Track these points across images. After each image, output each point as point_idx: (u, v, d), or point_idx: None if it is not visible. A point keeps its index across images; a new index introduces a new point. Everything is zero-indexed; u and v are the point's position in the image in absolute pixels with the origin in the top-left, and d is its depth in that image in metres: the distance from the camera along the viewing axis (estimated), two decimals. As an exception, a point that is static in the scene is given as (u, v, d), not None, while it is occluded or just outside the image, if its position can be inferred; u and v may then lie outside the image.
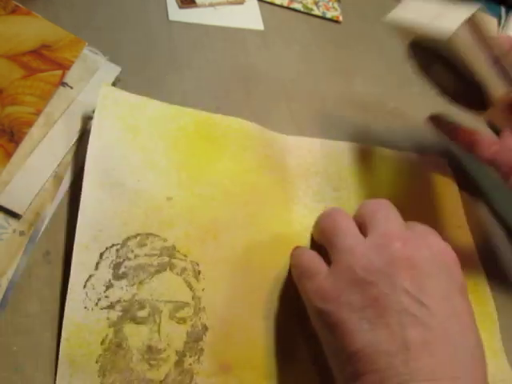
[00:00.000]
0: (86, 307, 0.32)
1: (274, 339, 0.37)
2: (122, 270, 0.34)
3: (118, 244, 0.35)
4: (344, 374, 0.31)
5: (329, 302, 0.32)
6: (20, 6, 0.45)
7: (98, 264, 0.34)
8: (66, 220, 0.38)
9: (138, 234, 0.36)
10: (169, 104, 0.43)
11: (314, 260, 0.36)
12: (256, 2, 0.62)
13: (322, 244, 0.37)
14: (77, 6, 0.52)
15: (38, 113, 0.41)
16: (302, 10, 0.64)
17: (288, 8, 0.63)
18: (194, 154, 0.41)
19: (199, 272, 0.37)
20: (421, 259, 0.31)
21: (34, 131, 0.41)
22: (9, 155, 0.38)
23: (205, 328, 0.35)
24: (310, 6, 0.65)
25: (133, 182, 0.38)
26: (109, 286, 0.33)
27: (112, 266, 0.34)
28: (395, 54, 0.65)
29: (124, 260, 0.35)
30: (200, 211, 0.39)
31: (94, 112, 0.40)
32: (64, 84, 0.44)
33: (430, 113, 0.50)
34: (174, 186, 0.39)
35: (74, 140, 0.42)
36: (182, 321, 0.34)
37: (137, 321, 0.33)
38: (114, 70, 0.47)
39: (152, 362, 0.33)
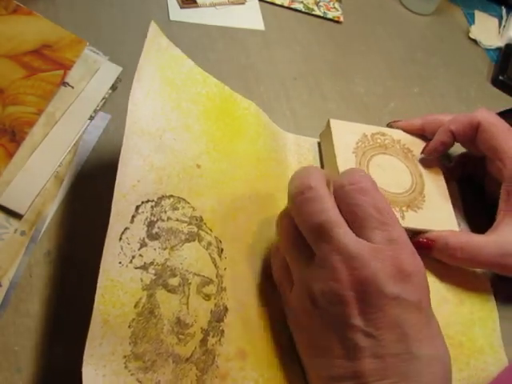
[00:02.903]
0: (120, 263, 0.31)
1: (287, 329, 0.36)
2: (155, 229, 0.34)
3: (152, 201, 0.34)
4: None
5: (296, 324, 0.34)
6: (21, 5, 0.45)
7: (133, 217, 0.33)
8: (67, 220, 0.38)
9: (172, 196, 0.35)
10: (198, 68, 0.43)
11: (283, 277, 0.36)
12: (257, 2, 0.62)
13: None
14: (78, 5, 0.52)
15: (39, 113, 0.41)
16: (302, 10, 0.64)
17: (289, 8, 0.63)
18: (220, 128, 0.41)
19: (222, 250, 0.36)
20: (369, 290, 0.30)
21: (35, 131, 0.41)
22: (10, 155, 0.38)
23: (225, 309, 0.35)
24: (310, 6, 0.65)
25: (169, 138, 0.37)
26: (143, 245, 0.33)
27: (146, 222, 0.33)
28: (396, 54, 0.65)
29: (157, 220, 0.34)
30: (224, 188, 0.39)
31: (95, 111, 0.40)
32: (65, 84, 0.44)
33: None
34: (204, 154, 0.39)
35: (75, 140, 0.42)
36: (207, 297, 0.34)
37: (168, 288, 0.32)
38: (115, 70, 0.47)
39: (180, 336, 0.32)
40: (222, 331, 0.34)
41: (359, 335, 0.30)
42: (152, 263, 0.32)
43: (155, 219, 0.34)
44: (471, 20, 0.76)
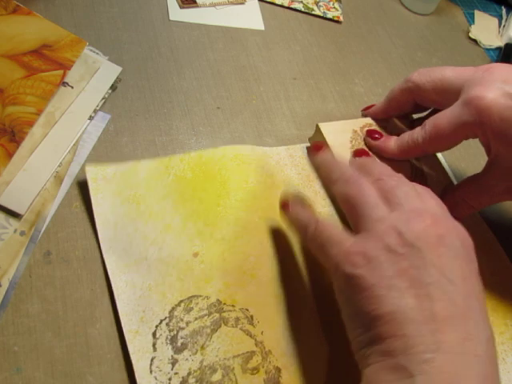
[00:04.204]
0: None
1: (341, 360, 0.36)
2: (180, 341, 0.34)
3: (165, 318, 0.34)
4: (365, 337, 0.31)
5: (359, 267, 0.32)
6: (21, 5, 0.45)
7: (154, 345, 0.33)
8: (67, 220, 0.38)
9: (181, 301, 0.35)
10: (157, 158, 0.42)
11: (335, 228, 0.35)
12: (257, 2, 0.62)
13: (344, 210, 0.37)
14: (77, 5, 0.52)
15: (38, 112, 0.41)
16: (302, 10, 0.64)
17: (289, 8, 0.63)
18: (202, 200, 0.41)
19: (252, 317, 0.36)
20: (448, 238, 0.32)
21: (35, 131, 0.41)
22: (10, 155, 0.38)
23: (278, 370, 0.35)
24: (310, 6, 0.65)
25: (154, 251, 0.37)
26: (174, 362, 0.33)
27: (168, 341, 0.34)
28: (396, 54, 0.65)
29: (178, 331, 0.34)
30: (229, 255, 0.39)
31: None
32: (65, 84, 0.44)
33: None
34: (195, 239, 0.39)
35: (75, 140, 0.42)
36: (256, 370, 0.34)
37: None
38: (114, 70, 0.47)
39: None
40: None
41: (439, 276, 0.30)
42: (189, 373, 0.33)
43: (175, 332, 0.34)
44: (471, 20, 0.76)
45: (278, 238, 0.41)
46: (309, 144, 0.48)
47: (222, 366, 0.33)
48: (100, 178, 0.39)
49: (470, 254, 0.33)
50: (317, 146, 0.41)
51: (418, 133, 0.42)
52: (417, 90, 0.45)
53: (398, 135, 0.46)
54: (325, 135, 0.45)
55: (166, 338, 0.34)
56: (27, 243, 0.36)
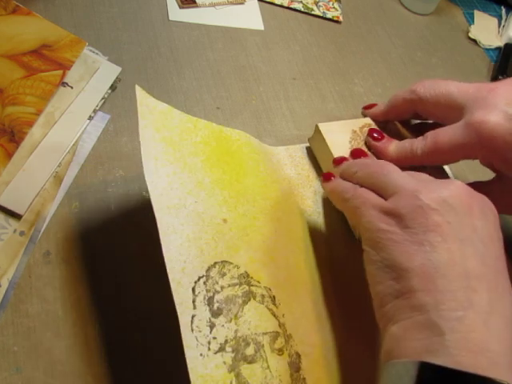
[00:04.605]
0: (201, 354, 0.31)
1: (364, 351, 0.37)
2: (216, 305, 0.34)
3: (203, 276, 0.34)
4: (393, 290, 0.31)
5: (392, 225, 0.32)
6: (21, 6, 0.45)
7: (194, 302, 0.33)
8: (66, 220, 0.38)
9: (216, 263, 0.35)
10: (186, 115, 0.41)
11: (372, 194, 0.35)
12: (256, 2, 0.62)
13: (369, 187, 0.37)
14: (77, 5, 0.52)
15: (38, 113, 0.41)
16: (302, 10, 0.64)
17: (288, 8, 0.63)
18: (225, 171, 0.40)
19: (274, 297, 0.36)
20: (478, 203, 0.32)
21: (35, 131, 0.41)
22: (9, 155, 0.38)
23: (298, 356, 0.35)
24: (310, 6, 0.65)
25: (191, 202, 0.36)
26: (212, 326, 0.33)
27: (206, 301, 0.33)
28: (395, 54, 0.65)
29: (214, 294, 0.34)
30: (251, 233, 0.38)
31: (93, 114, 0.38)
32: (64, 84, 0.44)
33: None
34: (223, 206, 0.38)
35: (75, 140, 0.42)
36: (281, 352, 0.34)
37: (248, 360, 0.33)
38: (114, 70, 0.47)
39: None
40: (304, 379, 0.34)
41: (472, 234, 0.31)
42: (226, 341, 0.33)
43: (212, 294, 0.34)
44: (471, 20, 0.76)
45: (289, 228, 0.41)
46: (308, 144, 0.48)
47: (254, 341, 0.33)
48: (145, 105, 0.38)
49: (496, 220, 0.33)
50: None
51: (418, 144, 0.42)
52: (420, 103, 0.44)
53: (398, 136, 0.46)
54: (324, 135, 0.45)
55: (204, 297, 0.33)
56: (27, 243, 0.36)
